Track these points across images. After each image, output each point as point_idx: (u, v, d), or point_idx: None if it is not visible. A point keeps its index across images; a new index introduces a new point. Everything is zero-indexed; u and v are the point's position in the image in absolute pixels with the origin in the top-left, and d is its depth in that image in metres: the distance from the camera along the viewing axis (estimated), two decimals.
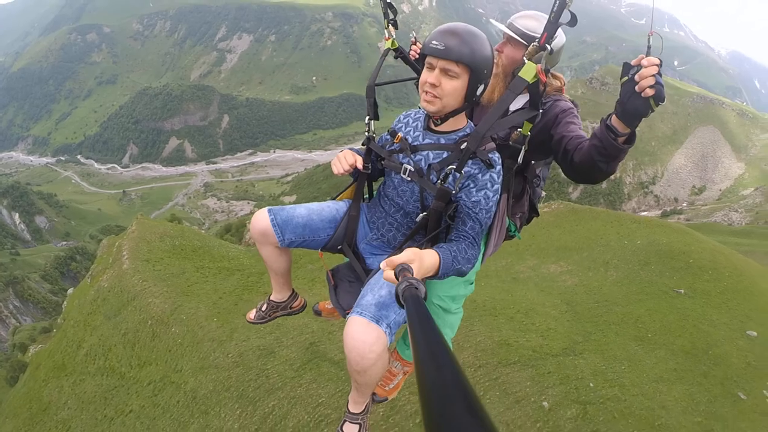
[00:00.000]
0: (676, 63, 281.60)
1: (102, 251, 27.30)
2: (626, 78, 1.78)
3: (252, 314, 3.03)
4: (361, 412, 2.47)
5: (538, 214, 2.89)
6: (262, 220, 2.46)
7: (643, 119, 1.89)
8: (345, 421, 2.48)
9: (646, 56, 1.75)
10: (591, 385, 8.41)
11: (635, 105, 1.77)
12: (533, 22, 2.41)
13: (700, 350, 10.33)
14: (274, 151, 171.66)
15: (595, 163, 2.05)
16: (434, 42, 1.98)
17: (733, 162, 76.62)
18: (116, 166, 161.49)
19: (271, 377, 9.52)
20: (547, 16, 2.03)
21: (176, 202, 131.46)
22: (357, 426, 2.46)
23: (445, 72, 2.00)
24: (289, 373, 9.44)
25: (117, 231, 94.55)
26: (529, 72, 1.99)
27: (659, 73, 1.72)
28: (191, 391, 11.14)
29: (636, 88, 1.73)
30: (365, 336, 1.94)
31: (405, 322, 1.84)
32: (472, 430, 0.51)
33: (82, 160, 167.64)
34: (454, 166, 2.08)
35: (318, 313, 3.24)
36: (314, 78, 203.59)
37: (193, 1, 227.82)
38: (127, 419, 12.02)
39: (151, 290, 15.91)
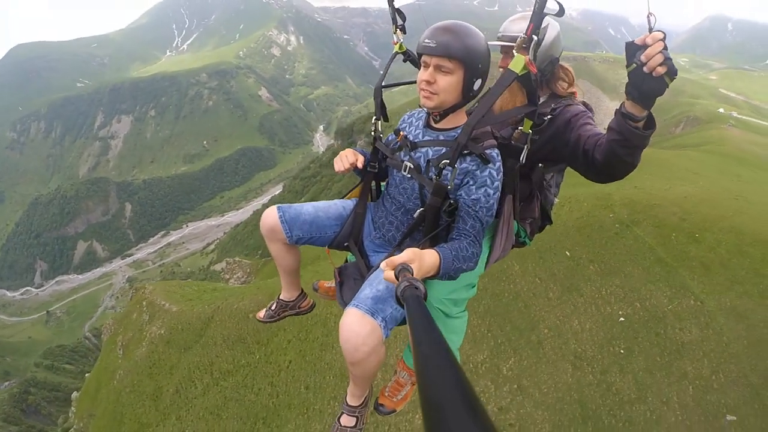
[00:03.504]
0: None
1: (108, 332, 27.68)
2: (634, 65, 1.76)
3: (262, 313, 3.18)
4: (359, 406, 2.54)
5: (551, 222, 2.90)
6: (271, 216, 2.60)
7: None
8: (343, 413, 2.55)
9: (650, 33, 1.71)
10: None
11: (651, 87, 1.76)
12: (525, 22, 2.26)
13: None
14: (187, 226, 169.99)
15: (620, 158, 2.03)
16: (426, 40, 2.06)
17: (609, 102, 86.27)
18: (30, 288, 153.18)
19: None
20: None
21: (105, 306, 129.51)
22: (354, 419, 2.53)
23: (438, 68, 2.08)
24: None
25: (59, 352, 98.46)
26: (517, 64, 2.04)
27: (666, 47, 1.69)
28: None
29: (645, 69, 1.71)
30: (359, 328, 2.00)
31: (402, 318, 2.14)
32: (472, 431, 0.52)
33: None
34: (448, 161, 2.14)
35: (315, 289, 3.40)
36: (205, 142, 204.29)
37: (63, 93, 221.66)
38: (291, 367, 13.82)
39: (229, 302, 18.01)
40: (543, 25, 2.28)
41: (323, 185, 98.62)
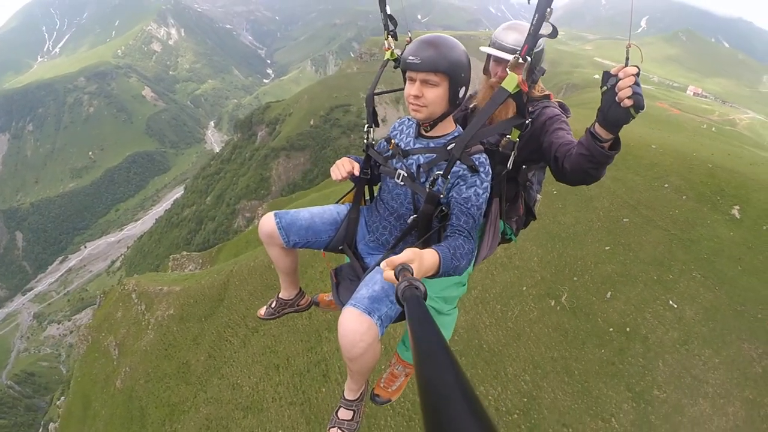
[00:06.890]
0: (419, 17, 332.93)
1: (85, 342, 26.49)
2: (606, 88, 1.95)
3: (262, 311, 3.45)
4: (355, 400, 2.75)
5: (535, 218, 3.12)
6: (268, 223, 2.82)
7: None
8: (340, 407, 2.75)
9: (625, 66, 1.90)
10: None
11: (616, 114, 1.95)
12: (518, 35, 2.59)
13: None
14: (85, 247, 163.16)
15: (586, 171, 2.25)
16: (410, 57, 2.27)
17: None
18: None
19: None
20: (528, 25, 2.19)
21: (18, 350, 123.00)
22: (351, 412, 2.72)
23: (425, 82, 2.28)
24: None
25: None
26: (510, 83, 2.18)
27: (637, 83, 1.87)
28: None
29: (616, 99, 1.90)
30: (356, 326, 2.16)
31: (397, 316, 2.37)
32: (472, 430, 0.54)
33: None
34: (441, 172, 2.34)
35: (316, 303, 3.68)
36: (91, 153, 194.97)
37: None
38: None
39: (241, 266, 18.98)
40: (537, 48, 2.44)
41: (228, 181, 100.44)
